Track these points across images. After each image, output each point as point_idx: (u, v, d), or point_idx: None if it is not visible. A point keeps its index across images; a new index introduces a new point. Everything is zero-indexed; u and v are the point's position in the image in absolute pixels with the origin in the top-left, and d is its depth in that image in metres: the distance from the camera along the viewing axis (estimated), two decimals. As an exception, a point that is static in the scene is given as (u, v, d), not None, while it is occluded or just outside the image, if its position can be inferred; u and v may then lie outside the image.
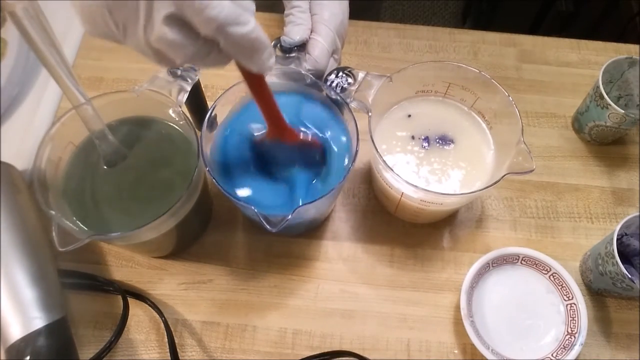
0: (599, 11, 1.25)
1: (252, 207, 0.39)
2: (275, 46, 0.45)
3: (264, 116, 0.41)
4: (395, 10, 1.68)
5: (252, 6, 0.31)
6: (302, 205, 0.40)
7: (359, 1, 0.62)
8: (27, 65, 0.61)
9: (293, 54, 0.45)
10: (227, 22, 0.28)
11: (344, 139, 0.47)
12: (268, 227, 0.39)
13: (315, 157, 0.46)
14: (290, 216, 0.39)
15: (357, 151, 0.43)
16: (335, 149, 0.46)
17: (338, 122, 0.48)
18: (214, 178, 0.41)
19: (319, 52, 0.45)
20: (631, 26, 1.11)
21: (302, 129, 0.46)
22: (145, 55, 0.31)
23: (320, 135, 0.46)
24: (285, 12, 0.46)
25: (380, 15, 0.92)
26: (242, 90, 0.46)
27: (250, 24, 0.30)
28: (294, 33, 0.44)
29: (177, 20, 0.28)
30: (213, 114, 0.45)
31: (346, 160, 0.46)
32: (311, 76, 0.45)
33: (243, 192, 0.44)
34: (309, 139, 0.45)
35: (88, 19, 0.30)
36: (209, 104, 0.54)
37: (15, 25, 0.34)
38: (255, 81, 0.37)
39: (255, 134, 0.46)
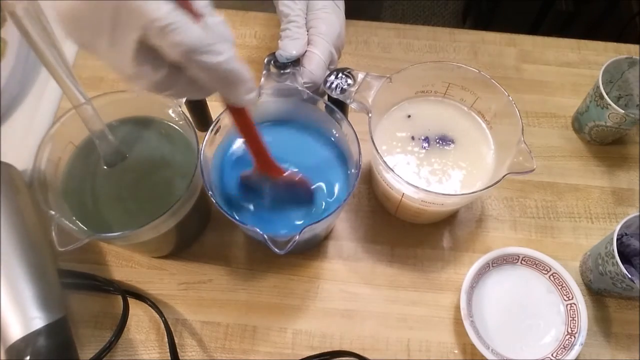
0: (599, 11, 1.25)
1: (258, 230, 0.38)
2: (269, 62, 0.45)
3: (249, 150, 0.40)
4: (395, 10, 1.68)
5: (230, 36, 0.30)
6: (309, 224, 0.39)
7: (359, 1, 0.62)
8: (27, 65, 0.61)
9: (288, 70, 0.44)
10: (194, 49, 0.27)
11: (343, 154, 0.47)
12: (275, 249, 0.38)
13: (315, 181, 0.46)
14: (297, 237, 0.38)
15: (360, 165, 0.43)
16: (336, 165, 0.47)
17: (337, 140, 0.48)
18: (217, 203, 0.40)
19: (315, 64, 0.44)
20: (631, 26, 1.11)
21: (291, 168, 0.44)
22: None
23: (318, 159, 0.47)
24: (282, 27, 0.46)
25: (380, 15, 0.92)
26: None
27: (224, 54, 0.28)
28: (291, 47, 0.44)
29: (142, 49, 0.27)
30: (217, 127, 0.44)
31: (349, 174, 0.46)
32: (307, 91, 0.45)
33: (245, 213, 0.44)
34: (296, 178, 0.43)
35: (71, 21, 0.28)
36: (209, 103, 0.54)
37: (15, 25, 0.34)
38: (235, 112, 0.36)
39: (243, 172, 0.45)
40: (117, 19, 0.26)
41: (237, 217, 0.40)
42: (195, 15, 0.28)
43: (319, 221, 0.40)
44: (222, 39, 0.29)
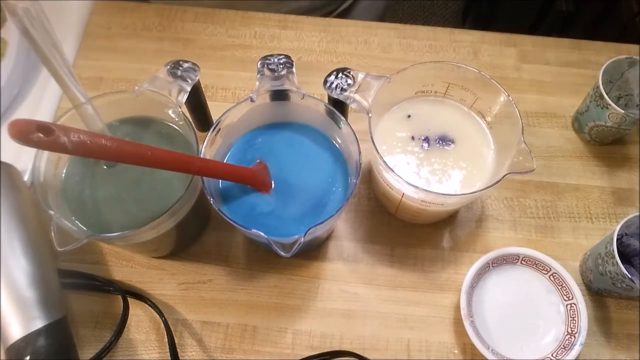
0: (599, 11, 1.25)
1: (263, 234, 0.38)
2: (262, 66, 0.45)
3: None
4: (395, 10, 1.68)
5: None
6: (313, 226, 0.39)
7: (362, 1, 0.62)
8: (27, 65, 0.61)
9: (282, 72, 0.44)
10: None
11: (343, 154, 0.47)
12: (282, 252, 0.38)
13: (319, 176, 0.46)
14: (302, 239, 0.38)
15: (360, 166, 0.42)
16: (336, 166, 0.47)
17: (336, 140, 0.48)
18: (220, 210, 0.40)
19: None
20: (631, 26, 1.11)
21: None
22: None
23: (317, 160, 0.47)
24: None
25: (380, 15, 0.92)
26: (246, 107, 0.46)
27: None
28: None
29: None
30: (218, 127, 0.44)
31: (349, 175, 0.46)
32: (304, 92, 0.45)
33: (248, 217, 0.44)
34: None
35: None
36: (209, 104, 0.54)
37: (16, 25, 0.34)
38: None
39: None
40: None
41: (240, 223, 0.40)
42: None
43: (320, 223, 0.39)
44: None
